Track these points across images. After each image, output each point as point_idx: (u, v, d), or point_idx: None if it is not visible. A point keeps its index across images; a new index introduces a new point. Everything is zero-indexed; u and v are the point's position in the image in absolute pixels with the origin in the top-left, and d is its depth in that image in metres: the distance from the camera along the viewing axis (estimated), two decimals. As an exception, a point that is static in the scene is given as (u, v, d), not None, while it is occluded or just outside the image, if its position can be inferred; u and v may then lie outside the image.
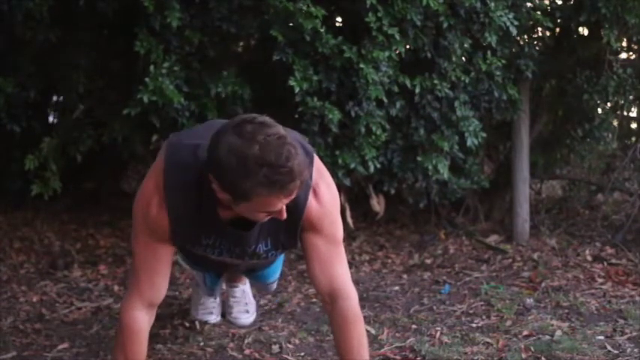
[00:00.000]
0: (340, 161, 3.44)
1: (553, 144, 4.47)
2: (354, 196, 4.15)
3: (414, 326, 2.99)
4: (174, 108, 3.24)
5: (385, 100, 3.44)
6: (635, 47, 4.29)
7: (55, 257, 3.86)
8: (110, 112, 3.55)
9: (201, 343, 2.79)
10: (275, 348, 2.76)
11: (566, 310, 3.12)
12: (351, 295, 2.02)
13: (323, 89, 3.36)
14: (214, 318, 2.97)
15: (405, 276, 3.70)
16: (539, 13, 3.88)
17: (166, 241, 1.98)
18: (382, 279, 3.66)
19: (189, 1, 3.30)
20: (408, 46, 3.51)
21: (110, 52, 3.72)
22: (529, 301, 3.23)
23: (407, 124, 3.68)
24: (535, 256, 3.87)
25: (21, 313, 3.16)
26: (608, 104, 4.29)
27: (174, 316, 3.05)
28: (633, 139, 4.67)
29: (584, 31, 4.13)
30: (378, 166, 3.54)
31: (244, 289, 2.94)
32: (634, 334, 2.80)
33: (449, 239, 4.22)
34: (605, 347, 2.68)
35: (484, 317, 3.07)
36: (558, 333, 2.83)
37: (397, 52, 3.44)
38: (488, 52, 3.66)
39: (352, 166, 3.46)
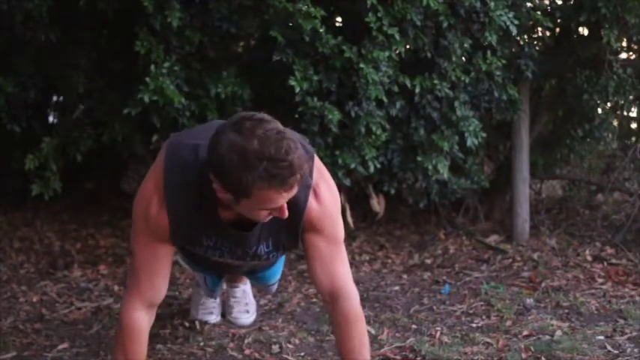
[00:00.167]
0: (340, 161, 3.44)
1: (553, 144, 4.47)
2: (354, 196, 4.15)
3: (414, 326, 2.99)
4: (175, 108, 3.24)
5: (385, 100, 3.44)
6: (635, 47, 4.28)
7: (55, 257, 3.86)
8: (110, 112, 3.55)
9: (201, 343, 2.79)
10: (275, 348, 2.76)
11: (566, 310, 3.12)
12: (352, 294, 2.03)
13: (323, 89, 3.36)
14: (214, 318, 2.97)
15: (405, 276, 3.70)
16: (539, 12, 3.88)
17: (166, 241, 1.98)
18: (382, 279, 3.66)
19: (189, 1, 3.30)
20: (408, 46, 3.51)
21: (110, 52, 3.72)
22: (529, 301, 3.23)
23: (407, 124, 3.68)
24: (535, 256, 3.86)
25: (21, 313, 3.15)
26: (608, 104, 4.28)
27: (174, 316, 3.05)
28: (633, 139, 4.66)
29: (584, 31, 4.12)
30: (378, 166, 3.54)
31: (245, 289, 2.94)
32: (634, 334, 2.80)
33: (449, 239, 4.22)
34: (605, 347, 2.67)
35: (484, 317, 3.07)
36: (558, 333, 2.83)
37: (397, 52, 3.44)
38: (489, 52, 3.66)
39: (352, 166, 3.46)
